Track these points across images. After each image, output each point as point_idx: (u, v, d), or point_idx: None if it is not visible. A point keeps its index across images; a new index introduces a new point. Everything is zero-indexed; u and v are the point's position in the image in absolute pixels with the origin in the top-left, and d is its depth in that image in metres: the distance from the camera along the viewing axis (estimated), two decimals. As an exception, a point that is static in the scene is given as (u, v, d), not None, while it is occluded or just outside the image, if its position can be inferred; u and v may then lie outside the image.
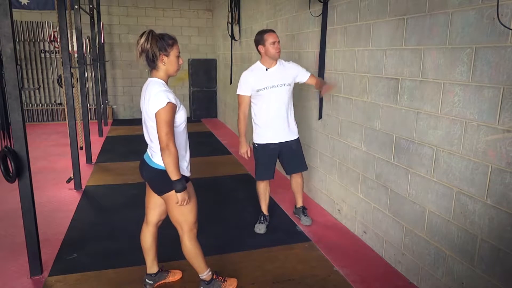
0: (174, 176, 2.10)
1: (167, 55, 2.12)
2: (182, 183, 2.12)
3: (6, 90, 2.44)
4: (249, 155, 3.37)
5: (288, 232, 3.42)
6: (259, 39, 3.15)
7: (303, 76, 3.30)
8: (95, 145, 6.17)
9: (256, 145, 3.36)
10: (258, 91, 3.18)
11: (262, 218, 3.48)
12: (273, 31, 3.16)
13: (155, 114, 2.04)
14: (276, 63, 3.23)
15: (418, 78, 2.50)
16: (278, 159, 3.45)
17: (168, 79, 2.19)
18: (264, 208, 3.50)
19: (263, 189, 3.47)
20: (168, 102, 2.03)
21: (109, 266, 2.81)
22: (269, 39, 3.09)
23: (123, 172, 5.03)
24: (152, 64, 2.13)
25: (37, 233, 2.71)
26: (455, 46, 2.20)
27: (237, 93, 3.25)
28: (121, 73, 8.91)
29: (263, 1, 5.43)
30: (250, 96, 3.24)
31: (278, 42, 3.13)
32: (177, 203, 2.15)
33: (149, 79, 2.17)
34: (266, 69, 3.20)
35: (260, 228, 3.41)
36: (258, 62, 3.26)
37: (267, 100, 3.20)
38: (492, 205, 2.04)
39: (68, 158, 4.59)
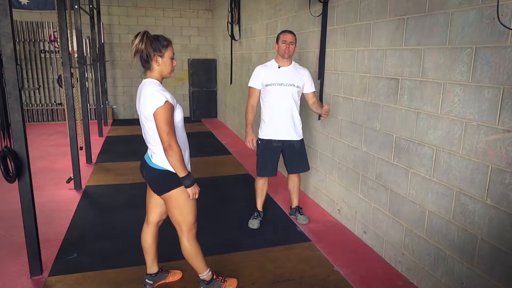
0: (181, 173, 2.12)
1: (161, 56, 2.12)
2: (190, 178, 2.15)
3: (6, 90, 2.44)
4: (254, 144, 3.43)
5: (288, 232, 3.42)
6: (276, 37, 3.32)
7: (308, 87, 3.37)
8: (95, 145, 6.17)
9: (259, 141, 3.43)
10: (266, 85, 3.29)
11: (256, 213, 3.56)
12: (289, 32, 3.28)
13: (154, 114, 2.04)
14: (290, 64, 3.33)
15: (418, 78, 2.50)
16: (283, 159, 3.50)
17: (162, 80, 2.19)
18: (259, 204, 3.59)
19: (261, 185, 3.53)
20: (166, 101, 2.03)
21: (109, 266, 2.81)
22: (281, 37, 3.26)
23: (123, 172, 5.03)
24: (146, 64, 2.14)
25: (37, 233, 2.71)
26: (455, 46, 2.20)
27: (248, 85, 3.40)
28: (121, 73, 8.91)
29: (263, 1, 5.43)
30: (260, 91, 3.36)
31: (291, 43, 3.22)
32: (189, 197, 2.19)
33: (144, 81, 2.17)
34: (279, 67, 3.31)
35: (254, 224, 3.47)
36: (273, 60, 3.38)
37: (274, 96, 3.29)
38: (492, 205, 2.04)
39: (68, 158, 4.59)
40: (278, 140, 3.36)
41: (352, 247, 3.18)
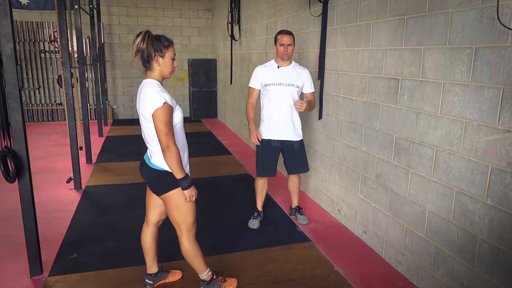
0: (179, 175, 2.11)
1: (162, 56, 2.12)
2: (187, 181, 2.15)
3: (6, 90, 2.44)
4: (259, 139, 3.41)
5: (288, 232, 3.42)
6: (274, 38, 3.30)
7: (307, 88, 3.37)
8: (95, 145, 6.17)
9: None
10: (265, 85, 3.29)
11: (256, 213, 3.56)
12: (286, 33, 3.24)
13: (152, 115, 2.04)
14: (290, 64, 3.32)
15: (418, 78, 2.50)
16: (283, 159, 3.50)
17: (162, 80, 2.20)
18: (259, 204, 3.59)
19: (260, 185, 3.53)
20: (165, 103, 2.04)
21: (109, 266, 2.81)
22: (279, 40, 3.23)
23: (123, 172, 5.03)
24: (147, 64, 2.14)
25: (37, 233, 2.71)
26: (455, 46, 2.20)
27: (249, 85, 3.40)
28: (121, 73, 8.91)
29: (263, 1, 5.42)
30: (260, 91, 3.37)
31: (289, 45, 3.20)
32: (185, 200, 2.18)
33: (144, 81, 2.18)
34: (278, 67, 3.30)
35: (254, 224, 3.47)
36: (272, 60, 3.38)
37: (273, 96, 3.29)
38: (492, 205, 2.04)
39: (68, 158, 4.59)
40: (277, 140, 3.36)
41: (352, 247, 3.18)
